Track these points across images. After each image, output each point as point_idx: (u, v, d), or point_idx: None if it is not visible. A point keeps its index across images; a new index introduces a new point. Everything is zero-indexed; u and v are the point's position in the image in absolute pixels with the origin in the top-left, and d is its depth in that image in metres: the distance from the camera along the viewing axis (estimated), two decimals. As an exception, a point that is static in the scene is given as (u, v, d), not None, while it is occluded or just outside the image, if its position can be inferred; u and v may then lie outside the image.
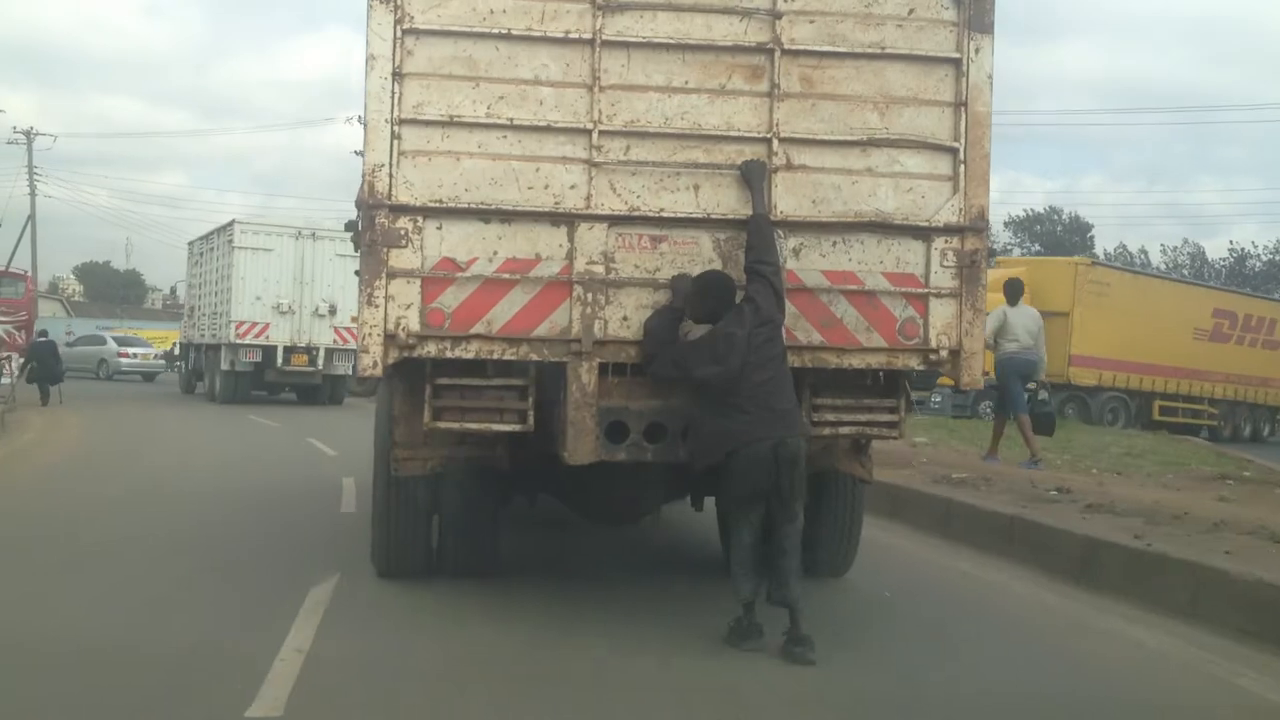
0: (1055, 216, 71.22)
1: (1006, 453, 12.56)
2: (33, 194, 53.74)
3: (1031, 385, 12.44)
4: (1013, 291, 12.53)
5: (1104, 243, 70.45)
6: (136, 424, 19.45)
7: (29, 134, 54.53)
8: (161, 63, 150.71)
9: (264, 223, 25.70)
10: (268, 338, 24.60)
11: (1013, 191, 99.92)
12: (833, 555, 7.18)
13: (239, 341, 24.50)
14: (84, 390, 27.53)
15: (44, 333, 26.73)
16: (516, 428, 5.78)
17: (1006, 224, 68.92)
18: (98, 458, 14.06)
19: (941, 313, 5.89)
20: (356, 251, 5.60)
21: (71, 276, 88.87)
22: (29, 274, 33.27)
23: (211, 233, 27.75)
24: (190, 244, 30.55)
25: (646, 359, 5.67)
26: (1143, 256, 66.93)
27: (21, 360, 24.15)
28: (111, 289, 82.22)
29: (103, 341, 40.20)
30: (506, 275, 5.59)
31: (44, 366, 22.87)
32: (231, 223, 25.39)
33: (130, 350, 39.57)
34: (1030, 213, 71.52)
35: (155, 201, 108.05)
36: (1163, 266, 63.60)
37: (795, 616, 5.48)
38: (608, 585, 7.01)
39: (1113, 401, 25.17)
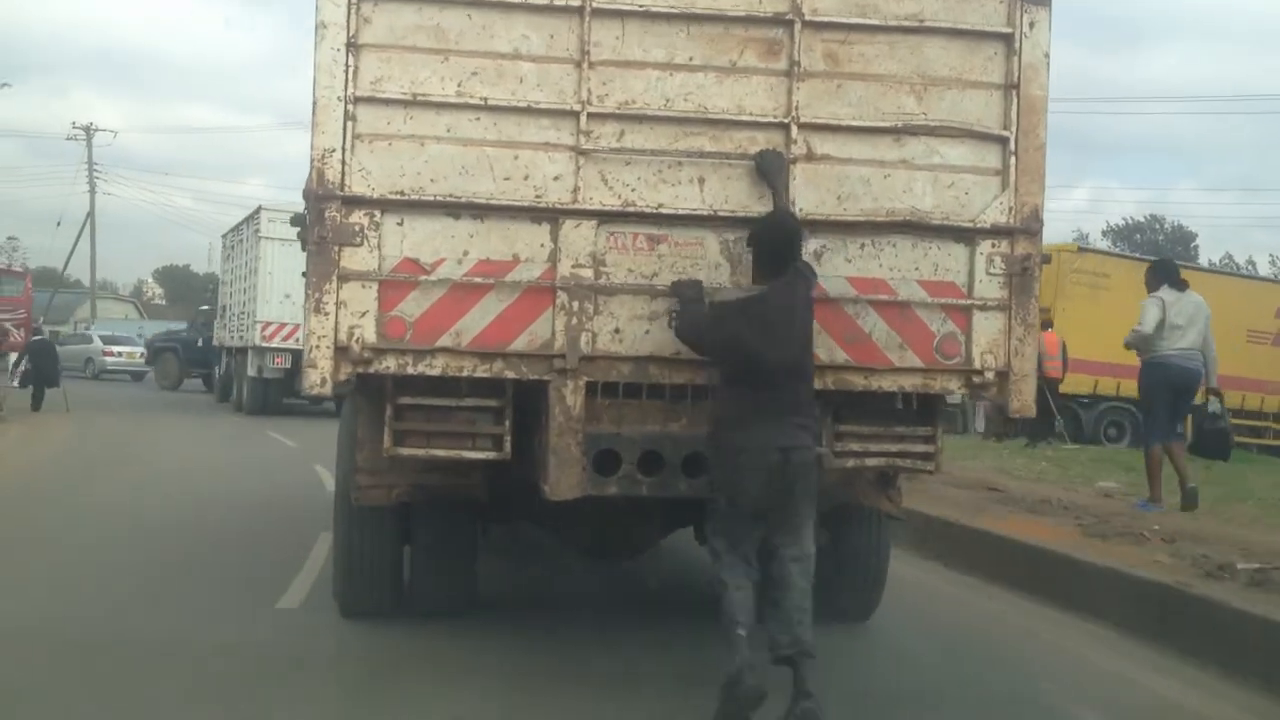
0: (1157, 225, 69.43)
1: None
2: (92, 191, 54.26)
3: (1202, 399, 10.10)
4: (1169, 273, 9.92)
5: (1209, 253, 68.41)
6: (127, 436, 18.23)
7: (88, 130, 54.90)
8: (240, 71, 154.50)
9: (295, 210, 23.79)
10: (298, 340, 21.99)
11: (1109, 191, 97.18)
12: (855, 599, 6.55)
13: (266, 344, 22.94)
14: (81, 394, 25.49)
15: (39, 331, 25.87)
16: (491, 455, 5.21)
17: (1105, 233, 67.19)
18: (35, 478, 12.57)
19: (987, 328, 5.25)
20: (304, 250, 5.09)
21: (152, 280, 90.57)
22: (29, 271, 34.15)
23: (241, 223, 26.25)
24: (223, 236, 29.06)
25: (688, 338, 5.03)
26: (1250, 266, 64.85)
27: (15, 359, 23.59)
28: (192, 291, 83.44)
29: (89, 340, 40.30)
30: (479, 279, 5.00)
31: (39, 368, 22.05)
32: (258, 210, 23.74)
33: (115, 349, 39.54)
34: (1130, 221, 69.63)
35: (237, 204, 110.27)
36: (1273, 275, 61.00)
37: (801, 669, 4.68)
38: (599, 628, 6.40)
39: (1114, 414, 22.50)
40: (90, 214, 53.66)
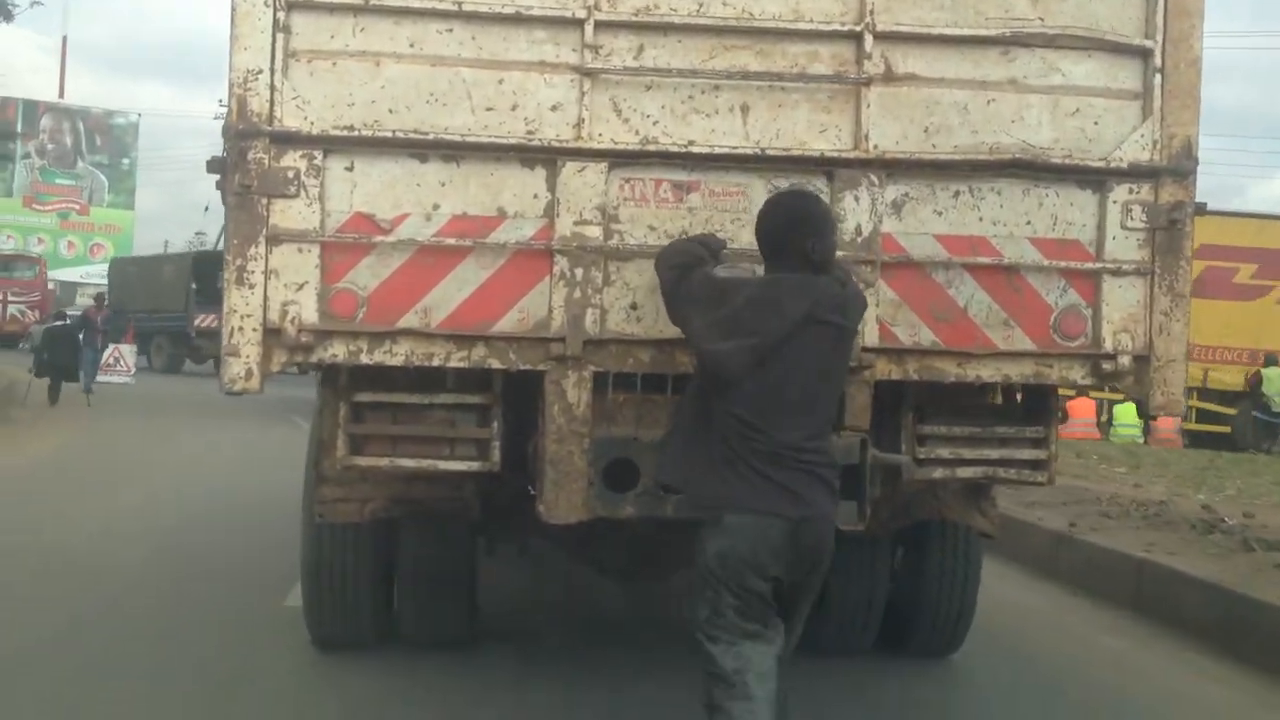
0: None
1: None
2: None
3: None
4: None
5: None
6: (133, 453, 14.17)
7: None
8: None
9: None
10: None
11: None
12: (938, 632, 5.55)
13: None
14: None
15: (62, 315, 24.22)
16: (474, 466, 4.24)
17: None
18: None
19: (1122, 299, 4.23)
20: (224, 204, 4.10)
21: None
22: (43, 259, 36.03)
23: None
24: None
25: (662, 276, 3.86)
26: None
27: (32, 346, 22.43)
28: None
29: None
30: (453, 240, 4.00)
31: (57, 357, 20.20)
32: None
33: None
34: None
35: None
36: None
37: None
38: (625, 662, 5.41)
39: None
40: None
